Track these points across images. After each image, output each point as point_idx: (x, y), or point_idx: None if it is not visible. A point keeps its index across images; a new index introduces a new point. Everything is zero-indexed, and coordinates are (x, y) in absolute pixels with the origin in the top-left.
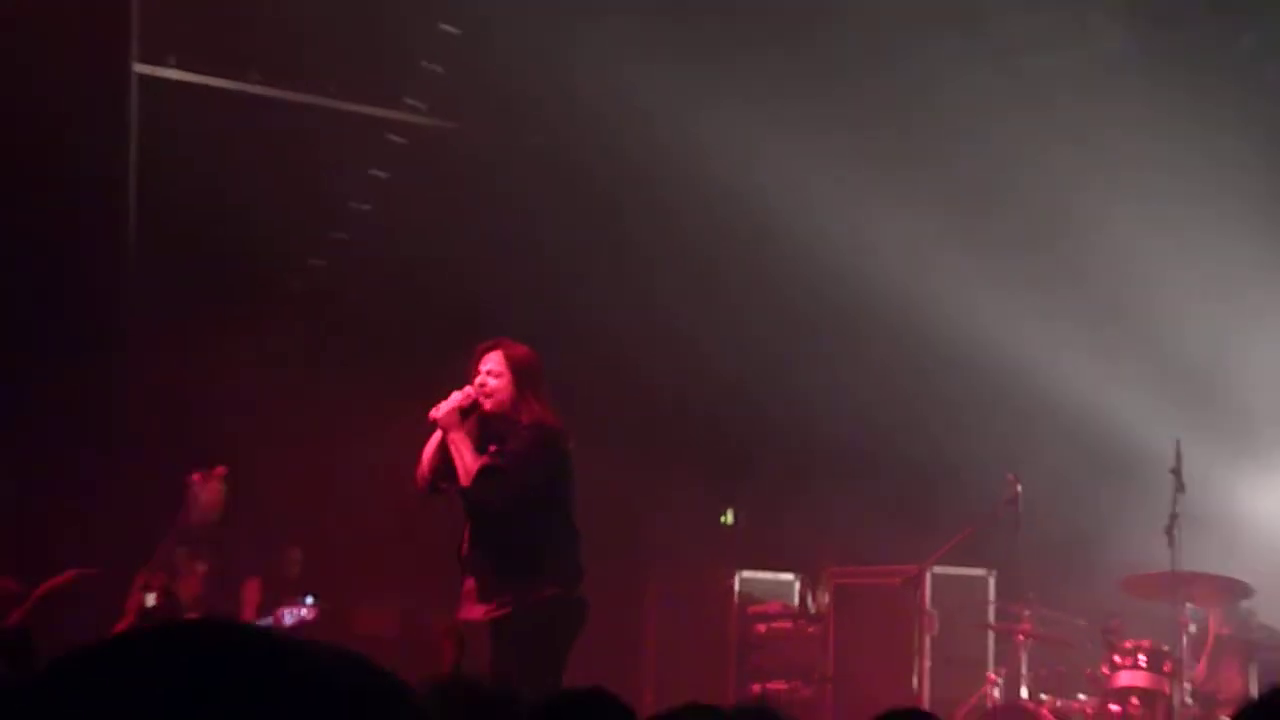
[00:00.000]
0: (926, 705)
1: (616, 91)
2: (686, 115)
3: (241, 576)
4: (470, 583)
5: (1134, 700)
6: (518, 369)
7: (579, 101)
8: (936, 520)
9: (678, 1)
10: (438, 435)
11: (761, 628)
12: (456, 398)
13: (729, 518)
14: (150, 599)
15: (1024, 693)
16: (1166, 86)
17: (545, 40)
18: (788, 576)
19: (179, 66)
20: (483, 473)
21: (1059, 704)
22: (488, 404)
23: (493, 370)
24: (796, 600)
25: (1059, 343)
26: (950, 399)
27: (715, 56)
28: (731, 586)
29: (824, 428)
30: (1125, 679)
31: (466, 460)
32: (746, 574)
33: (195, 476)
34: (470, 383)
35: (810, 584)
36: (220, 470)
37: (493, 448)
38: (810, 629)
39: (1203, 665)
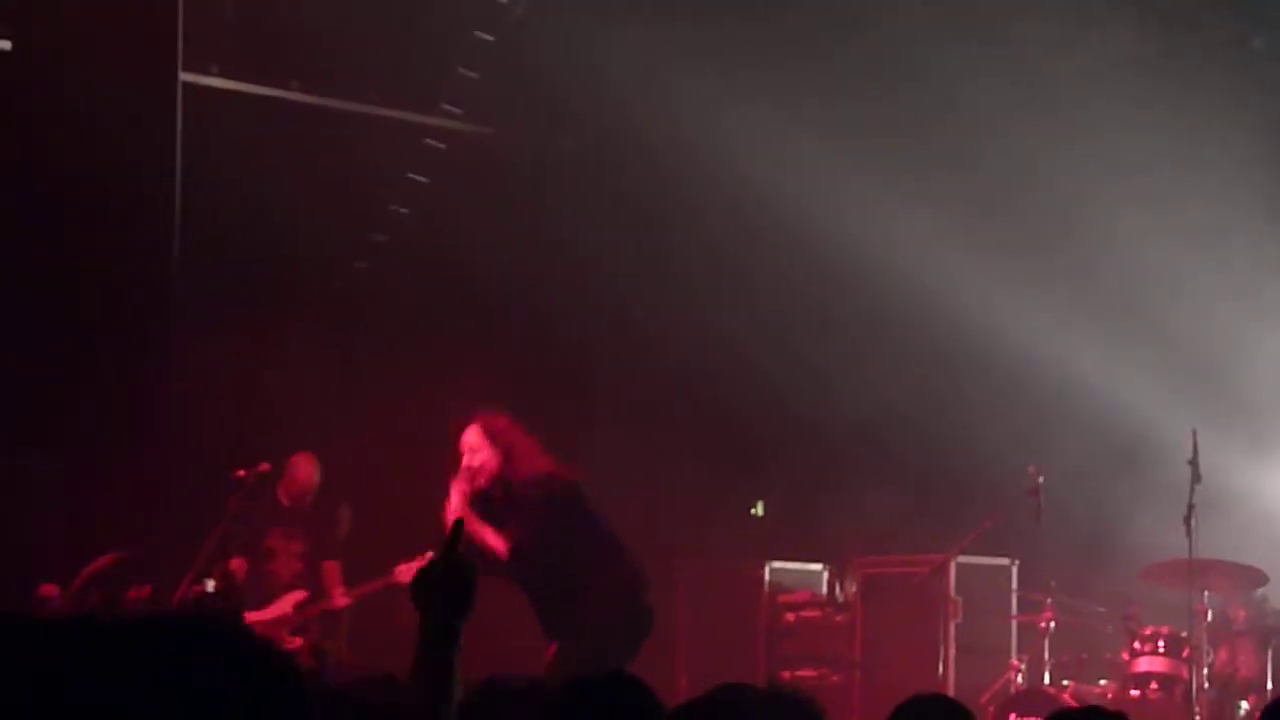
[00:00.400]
0: (951, 691)
1: (648, 95)
2: (716, 118)
3: (328, 556)
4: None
5: (1153, 685)
6: (495, 438)
7: (612, 105)
8: (960, 511)
9: (709, 7)
10: (453, 509)
11: (791, 616)
12: (457, 496)
13: (759, 510)
14: (210, 585)
15: (1046, 679)
16: (1179, 89)
17: (577, 45)
18: (816, 566)
19: (222, 75)
20: (511, 556)
21: (1080, 689)
22: (482, 480)
23: (472, 446)
24: (825, 589)
25: (1078, 338)
26: (974, 394)
27: (743, 62)
28: (761, 576)
29: (850, 422)
30: (1145, 665)
31: (494, 546)
32: (776, 564)
33: (241, 473)
34: (461, 468)
35: (838, 574)
36: (264, 467)
37: (512, 524)
38: (838, 617)
39: (1221, 651)
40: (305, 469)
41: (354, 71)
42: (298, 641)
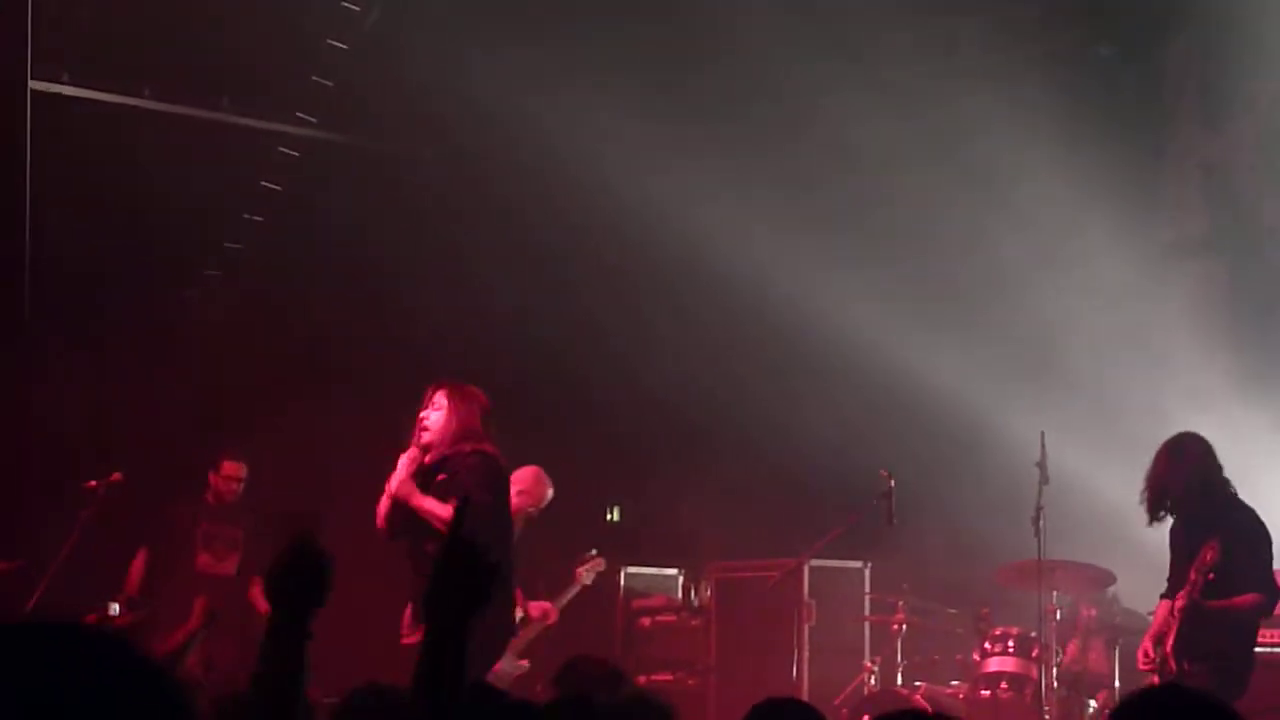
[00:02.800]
0: (805, 694)
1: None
2: (573, 118)
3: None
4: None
5: (1004, 685)
6: (462, 400)
7: (471, 111)
8: (814, 516)
9: (563, 15)
10: (390, 489)
11: (646, 621)
12: (404, 464)
13: (615, 515)
14: (114, 609)
15: (899, 680)
16: (1030, 96)
17: (434, 51)
18: (671, 571)
19: (73, 82)
20: (458, 512)
21: (932, 690)
22: (434, 439)
23: (437, 405)
24: (680, 594)
25: (930, 342)
26: (829, 398)
27: (602, 67)
28: (617, 581)
29: (705, 427)
30: (995, 665)
31: (438, 512)
32: (631, 569)
33: (93, 484)
34: (415, 431)
35: (693, 578)
36: (116, 477)
37: (441, 476)
38: (693, 622)
39: (1071, 650)
40: (230, 468)
41: (207, 79)
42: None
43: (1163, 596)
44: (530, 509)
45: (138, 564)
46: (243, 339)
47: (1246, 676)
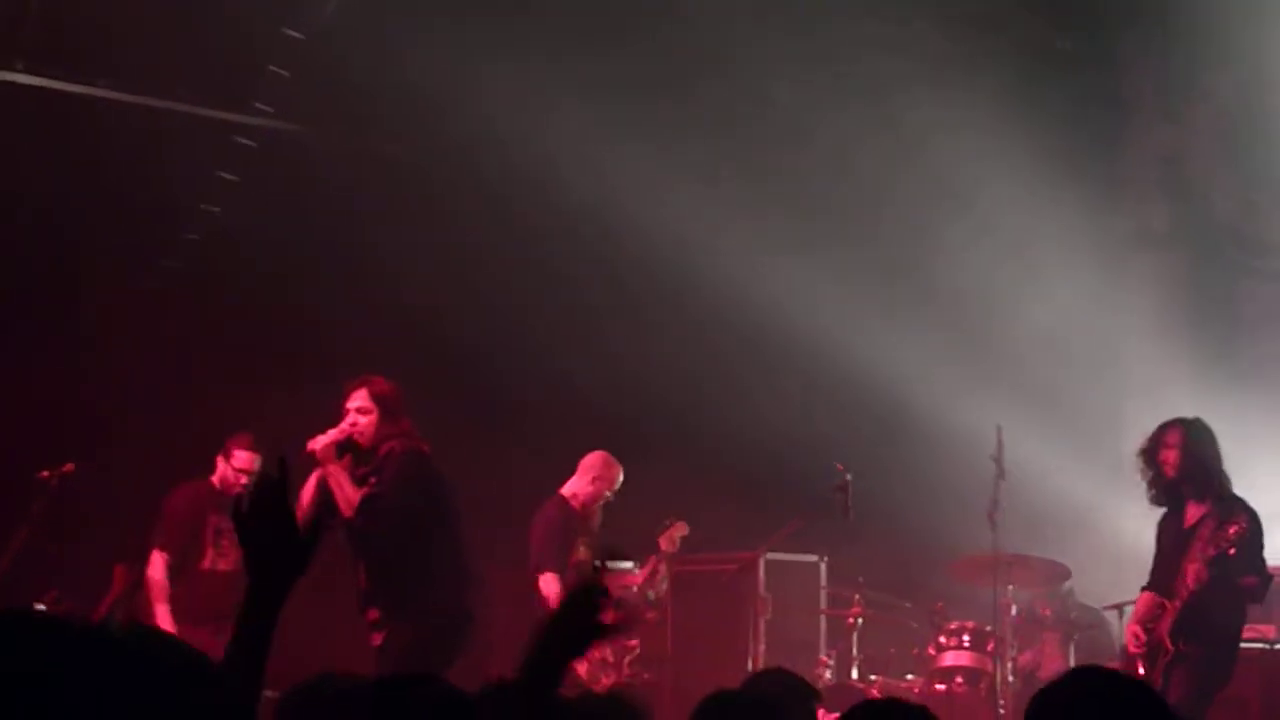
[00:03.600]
0: None
1: (462, 97)
2: (521, 102)
3: None
4: (373, 614)
5: (959, 679)
6: (383, 403)
7: (425, 106)
8: (772, 508)
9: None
10: (316, 474)
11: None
12: (332, 433)
13: None
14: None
15: (854, 673)
16: (988, 87)
17: (391, 44)
18: (628, 564)
19: (28, 71)
20: (365, 501)
21: (888, 684)
22: (362, 440)
23: (361, 407)
24: (635, 588)
25: (888, 336)
26: (786, 393)
27: (554, 55)
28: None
29: (661, 420)
30: (950, 659)
31: (347, 492)
32: None
33: (45, 474)
34: (342, 420)
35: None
36: (68, 468)
37: (373, 480)
38: (649, 615)
39: (1026, 645)
40: (242, 459)
41: (163, 68)
42: None
43: (1145, 588)
44: (607, 493)
45: (156, 568)
46: (202, 328)
47: (1234, 661)
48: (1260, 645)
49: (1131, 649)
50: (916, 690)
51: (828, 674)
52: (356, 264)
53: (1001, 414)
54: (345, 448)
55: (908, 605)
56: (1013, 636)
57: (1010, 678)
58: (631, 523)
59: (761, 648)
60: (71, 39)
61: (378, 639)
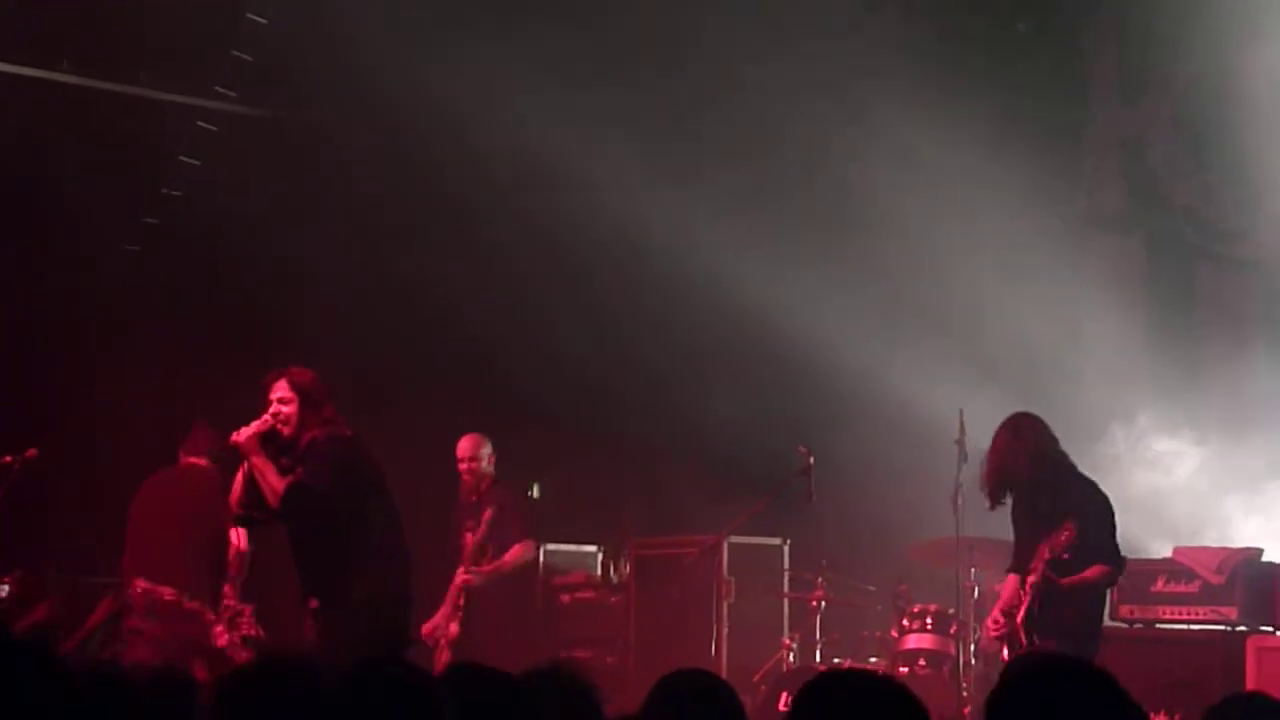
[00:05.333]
0: (724, 670)
1: (420, 79)
2: (482, 92)
3: None
4: (312, 602)
5: (921, 662)
6: (303, 392)
7: (383, 89)
8: (734, 492)
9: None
10: (244, 466)
11: (566, 598)
12: (254, 425)
13: (535, 491)
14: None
15: (818, 657)
16: (950, 70)
17: (350, 28)
18: (590, 548)
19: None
20: (289, 490)
21: (851, 667)
22: (285, 430)
23: (283, 397)
24: (599, 571)
25: (851, 320)
26: (748, 375)
27: (517, 37)
28: (536, 558)
29: (624, 405)
30: (913, 642)
31: (272, 482)
32: (551, 546)
33: (8, 459)
34: (265, 411)
35: (612, 555)
36: (31, 453)
37: (299, 470)
38: (613, 598)
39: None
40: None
41: (125, 52)
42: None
43: (1009, 571)
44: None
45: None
46: (167, 312)
47: (1095, 651)
48: (1222, 628)
49: (990, 634)
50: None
51: (790, 657)
52: (323, 246)
53: (964, 397)
54: (269, 438)
55: (871, 589)
56: (975, 619)
57: (973, 660)
58: (592, 504)
59: (725, 631)
60: (32, 23)
61: (312, 626)
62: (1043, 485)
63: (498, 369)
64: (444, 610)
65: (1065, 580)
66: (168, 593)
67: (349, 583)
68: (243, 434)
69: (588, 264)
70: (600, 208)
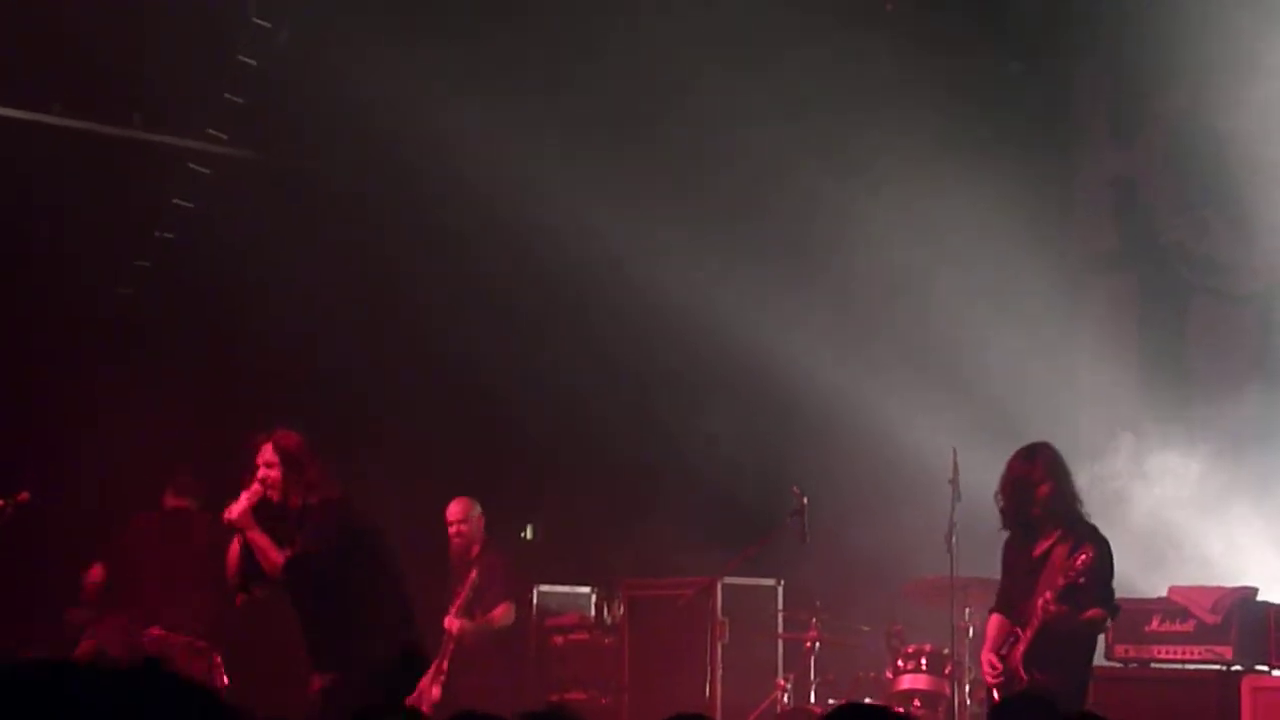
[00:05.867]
0: (718, 712)
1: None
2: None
3: None
4: (315, 672)
5: (916, 702)
6: (288, 456)
7: (375, 131)
8: (728, 533)
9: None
10: (238, 539)
11: (559, 640)
12: (245, 498)
13: (529, 533)
14: None
15: (812, 697)
16: (941, 112)
17: (342, 69)
18: (584, 589)
19: None
20: (290, 564)
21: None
22: (273, 495)
23: (268, 461)
24: (593, 612)
25: (845, 361)
26: (743, 417)
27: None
28: (530, 600)
29: (618, 447)
30: (908, 682)
31: (272, 557)
32: (544, 587)
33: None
34: (254, 479)
35: (606, 596)
36: (23, 496)
37: (297, 540)
38: (606, 640)
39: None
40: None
41: (117, 95)
42: None
43: (993, 610)
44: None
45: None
46: (158, 354)
47: (1086, 692)
48: (1217, 667)
49: (988, 679)
50: None
51: (785, 698)
52: (313, 286)
53: (957, 437)
54: (261, 508)
55: (865, 629)
56: (970, 659)
57: (968, 701)
58: (586, 545)
59: (719, 671)
60: (24, 66)
61: (316, 688)
62: (1055, 517)
63: (495, 412)
64: (428, 674)
65: (1083, 614)
66: (181, 638)
67: (352, 648)
68: (234, 510)
69: (584, 299)
70: (595, 249)
